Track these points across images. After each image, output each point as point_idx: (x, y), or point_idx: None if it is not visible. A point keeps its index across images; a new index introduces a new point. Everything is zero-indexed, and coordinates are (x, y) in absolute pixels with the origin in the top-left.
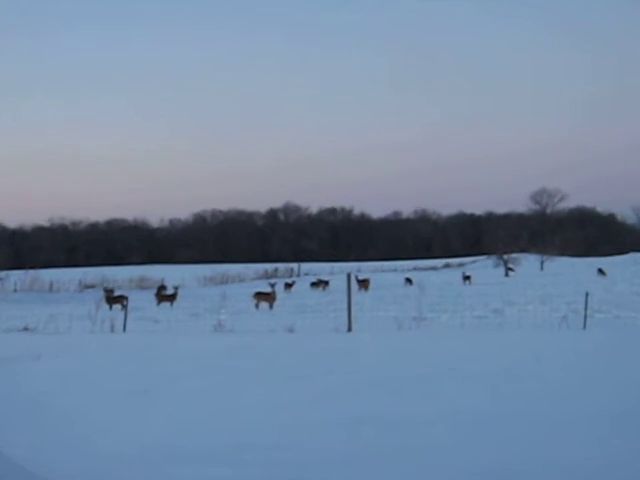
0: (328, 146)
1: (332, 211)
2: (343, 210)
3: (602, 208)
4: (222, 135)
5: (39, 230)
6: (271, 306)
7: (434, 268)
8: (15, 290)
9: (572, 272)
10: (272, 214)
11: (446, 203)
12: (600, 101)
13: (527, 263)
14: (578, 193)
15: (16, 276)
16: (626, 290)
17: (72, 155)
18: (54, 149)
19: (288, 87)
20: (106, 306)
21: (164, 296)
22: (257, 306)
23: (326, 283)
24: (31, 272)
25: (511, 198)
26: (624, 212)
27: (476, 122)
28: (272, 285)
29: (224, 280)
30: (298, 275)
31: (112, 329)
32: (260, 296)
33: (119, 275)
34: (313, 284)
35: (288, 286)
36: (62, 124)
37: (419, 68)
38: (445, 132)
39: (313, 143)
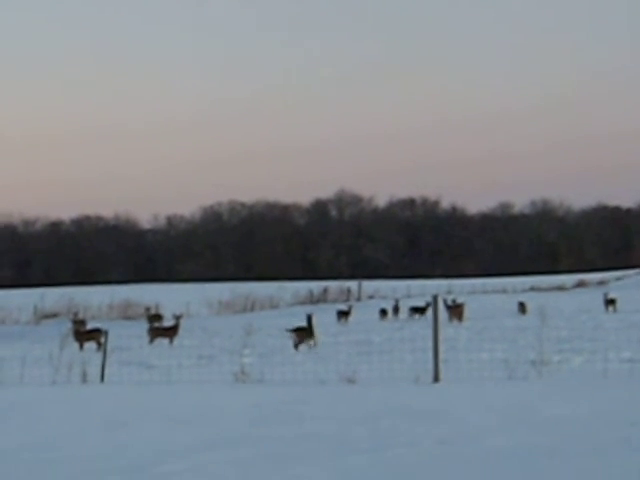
0: (399, 114)
1: (409, 203)
2: (425, 202)
3: None
4: (243, 100)
5: None
6: (313, 344)
7: (561, 288)
8: None
9: None
10: (319, 208)
11: (579, 191)
12: None
13: None
14: None
15: None
16: None
17: (20, 131)
18: None
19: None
20: (75, 345)
21: (160, 330)
22: (297, 346)
23: (422, 311)
24: None
25: None
26: None
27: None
28: (309, 318)
29: (248, 306)
30: (358, 298)
31: (84, 379)
32: (301, 334)
33: (93, 299)
34: (383, 312)
35: (343, 315)
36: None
37: None
38: (585, 90)
39: (378, 110)
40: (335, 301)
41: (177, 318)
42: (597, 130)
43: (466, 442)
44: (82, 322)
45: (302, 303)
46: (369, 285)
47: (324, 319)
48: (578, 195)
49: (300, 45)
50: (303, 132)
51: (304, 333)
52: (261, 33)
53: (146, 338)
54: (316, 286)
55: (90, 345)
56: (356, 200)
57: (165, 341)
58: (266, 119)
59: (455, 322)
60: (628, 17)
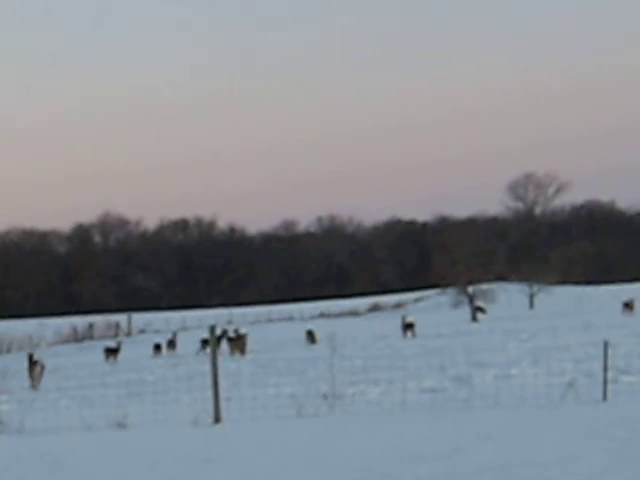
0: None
1: (181, 225)
2: (200, 223)
3: (626, 203)
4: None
5: None
6: (35, 384)
7: (354, 313)
8: None
9: (581, 310)
10: (81, 234)
11: (370, 205)
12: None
13: (507, 298)
14: (586, 181)
15: None
16: None
17: None
18: None
19: None
20: None
21: None
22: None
23: (235, 339)
24: None
25: (475, 193)
26: None
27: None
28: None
29: (4, 348)
30: (129, 333)
31: None
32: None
33: None
34: (157, 347)
35: (112, 352)
36: None
37: None
38: (359, 90)
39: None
40: (102, 337)
41: None
42: (387, 132)
43: None
44: None
45: (66, 341)
46: (140, 318)
47: (90, 358)
48: (367, 209)
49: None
50: (60, 154)
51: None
52: None
53: None
54: (81, 321)
55: None
56: (122, 224)
57: None
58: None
59: (237, 355)
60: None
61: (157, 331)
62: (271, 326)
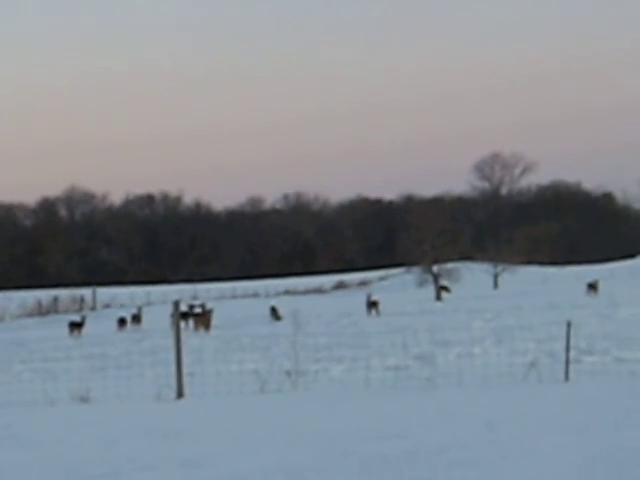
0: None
1: (147, 200)
2: (166, 198)
3: (592, 184)
4: None
5: None
6: None
7: (319, 290)
8: None
9: (545, 290)
10: (47, 207)
11: (336, 183)
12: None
13: (471, 278)
14: (552, 161)
15: None
16: (634, 317)
17: None
18: None
19: None
20: None
21: None
22: None
23: (200, 315)
24: None
25: (442, 172)
26: (628, 191)
27: (385, 47)
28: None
29: None
30: (93, 307)
31: None
32: None
33: None
34: (122, 321)
35: (76, 327)
36: None
37: None
38: (328, 71)
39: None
40: (67, 311)
41: None
42: (355, 111)
43: (211, 464)
44: None
45: (30, 314)
46: (105, 292)
47: (55, 332)
48: (332, 187)
49: None
50: (26, 127)
51: None
52: None
53: None
54: (45, 295)
55: None
56: (88, 198)
57: None
58: None
59: (202, 331)
60: None
61: (122, 306)
62: (235, 302)
